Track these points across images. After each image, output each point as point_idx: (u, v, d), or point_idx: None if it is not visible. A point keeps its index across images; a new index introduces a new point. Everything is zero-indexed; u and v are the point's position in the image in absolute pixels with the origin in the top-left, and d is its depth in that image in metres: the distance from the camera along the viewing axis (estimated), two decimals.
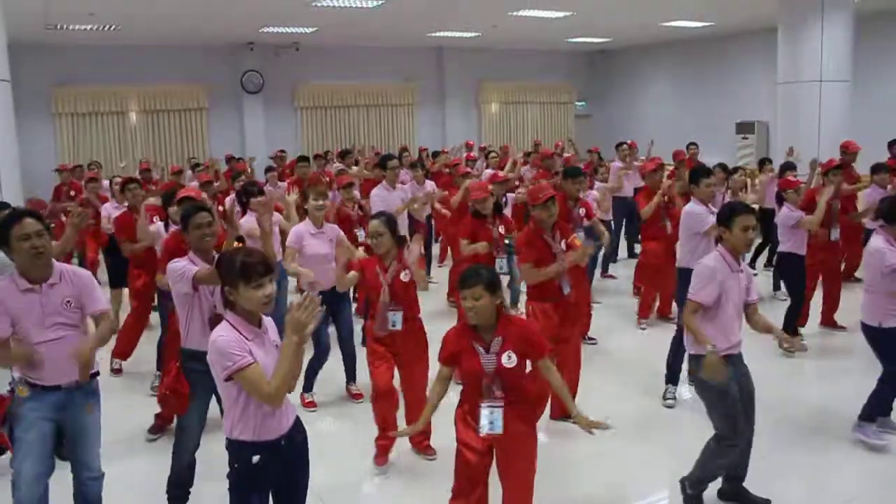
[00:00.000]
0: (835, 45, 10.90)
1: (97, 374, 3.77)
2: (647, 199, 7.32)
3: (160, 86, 15.24)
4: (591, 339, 7.21)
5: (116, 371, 6.58)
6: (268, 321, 3.09)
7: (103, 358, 4.05)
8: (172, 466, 4.27)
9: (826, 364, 6.64)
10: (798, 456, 4.82)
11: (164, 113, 15.55)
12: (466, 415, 3.49)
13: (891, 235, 4.74)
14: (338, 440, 5.33)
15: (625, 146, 11.01)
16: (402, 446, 4.93)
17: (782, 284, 7.66)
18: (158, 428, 5.44)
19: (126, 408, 5.77)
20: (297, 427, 3.11)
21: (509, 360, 3.36)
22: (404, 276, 4.74)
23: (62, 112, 14.65)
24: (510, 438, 3.43)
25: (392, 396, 4.76)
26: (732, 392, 3.91)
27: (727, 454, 3.99)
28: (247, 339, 2.88)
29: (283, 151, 14.11)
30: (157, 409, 5.28)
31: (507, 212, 8.03)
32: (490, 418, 3.40)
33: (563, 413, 5.41)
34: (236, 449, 2.96)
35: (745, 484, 4.19)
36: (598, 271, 9.41)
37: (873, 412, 4.89)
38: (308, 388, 5.93)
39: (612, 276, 9.92)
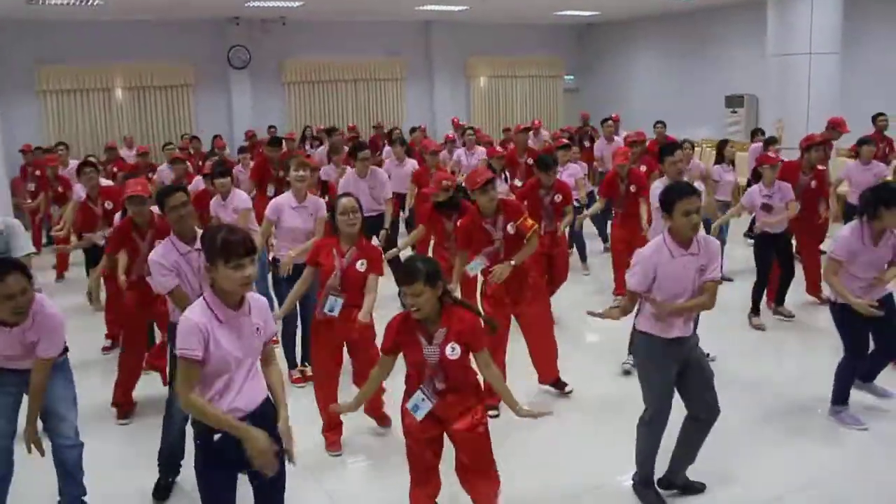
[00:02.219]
0: (824, 17, 10.90)
1: (63, 351, 3.83)
2: (609, 183, 7.60)
3: (145, 62, 15.03)
4: None
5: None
6: (256, 301, 3.03)
7: (76, 333, 4.03)
8: (163, 438, 4.33)
9: (808, 339, 6.68)
10: (776, 434, 4.83)
11: (150, 90, 15.36)
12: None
13: (868, 230, 4.57)
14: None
15: (609, 122, 11.00)
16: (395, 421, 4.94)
17: None
18: (123, 414, 5.42)
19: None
20: (265, 407, 3.04)
21: (453, 351, 3.30)
22: (360, 266, 4.51)
23: (47, 90, 14.45)
24: (457, 419, 3.43)
25: (329, 383, 4.68)
26: (662, 375, 3.87)
27: (649, 433, 3.98)
28: (219, 320, 2.86)
29: (272, 128, 14.05)
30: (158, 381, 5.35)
31: (506, 188, 8.03)
32: (417, 403, 3.39)
33: (549, 380, 5.52)
34: (200, 426, 2.94)
35: (708, 465, 4.17)
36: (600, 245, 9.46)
37: (844, 392, 4.89)
38: (292, 364, 5.93)
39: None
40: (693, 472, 4.17)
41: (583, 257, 9.07)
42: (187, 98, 15.71)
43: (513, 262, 4.98)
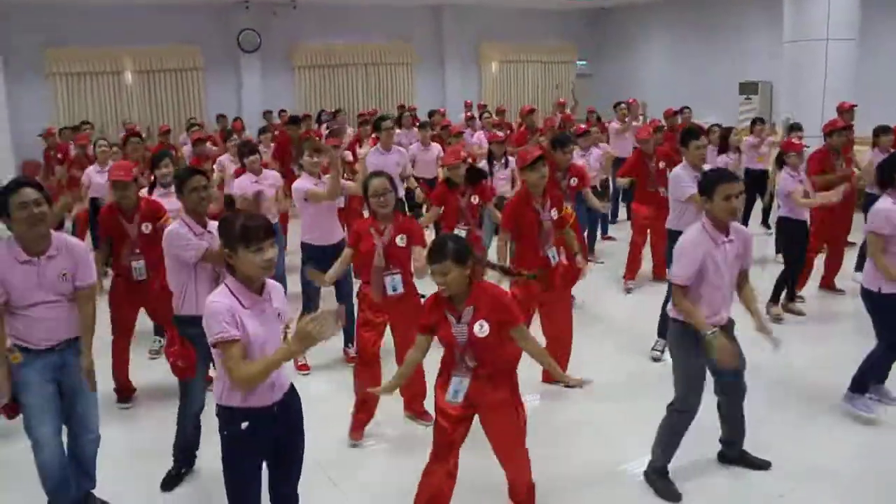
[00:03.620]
0: (842, 2, 10.71)
1: None
2: (635, 163, 7.55)
3: (155, 45, 14.98)
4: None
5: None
6: (273, 287, 3.01)
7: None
8: (178, 430, 4.28)
9: (822, 328, 6.53)
10: (785, 426, 4.77)
11: (160, 73, 15.32)
12: (445, 382, 3.46)
13: None
14: (334, 404, 5.06)
15: (623, 105, 10.87)
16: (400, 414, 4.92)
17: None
18: (123, 398, 5.38)
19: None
20: (292, 394, 3.07)
21: (481, 329, 3.26)
22: (400, 241, 4.50)
23: (56, 73, 14.40)
24: (488, 409, 3.41)
25: (374, 367, 4.60)
26: (694, 364, 3.83)
27: (675, 422, 3.94)
28: (243, 306, 2.83)
29: (283, 111, 13.97)
30: (166, 371, 5.25)
31: (507, 174, 7.94)
32: (457, 387, 3.37)
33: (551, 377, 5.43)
34: (226, 415, 2.93)
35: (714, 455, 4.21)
36: (598, 233, 9.36)
37: (865, 382, 4.79)
38: (348, 340, 5.88)
39: (611, 238, 9.80)
40: (694, 463, 4.15)
41: (591, 246, 8.90)
42: (197, 81, 15.65)
43: (590, 261, 4.96)
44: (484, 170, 6.68)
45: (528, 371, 5.13)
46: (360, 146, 9.50)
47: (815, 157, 7.18)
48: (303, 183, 5.71)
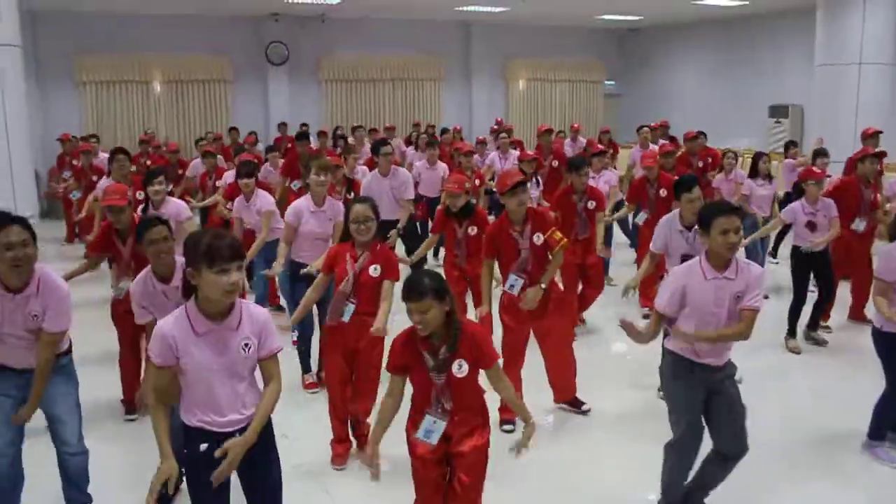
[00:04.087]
0: (876, 25, 10.55)
1: (65, 353, 3.70)
2: (636, 189, 7.49)
3: (184, 56, 15.12)
4: (580, 319, 7.03)
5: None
6: (251, 314, 2.84)
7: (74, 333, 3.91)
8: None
9: (837, 364, 6.31)
10: (797, 469, 4.53)
11: (189, 83, 15.44)
12: (417, 420, 3.26)
13: None
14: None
15: (645, 129, 10.69)
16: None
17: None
18: (129, 410, 5.27)
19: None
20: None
21: (460, 369, 3.09)
22: (373, 271, 4.34)
23: (86, 80, 14.58)
24: (461, 452, 3.22)
25: (341, 389, 4.52)
26: (689, 397, 3.67)
27: (675, 459, 3.78)
28: (196, 333, 2.74)
29: (305, 125, 14.01)
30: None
31: (536, 193, 7.81)
32: (429, 427, 3.19)
33: (565, 399, 5.29)
34: (187, 433, 2.84)
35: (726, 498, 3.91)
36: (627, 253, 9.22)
37: (882, 428, 4.57)
38: (306, 368, 5.79)
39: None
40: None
41: (606, 269, 8.66)
42: (224, 93, 15.76)
43: (542, 286, 4.79)
44: (472, 202, 6.33)
45: (537, 395, 5.09)
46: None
47: (841, 186, 6.96)
48: (299, 206, 5.63)
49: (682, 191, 5.24)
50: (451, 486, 3.29)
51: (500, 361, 3.17)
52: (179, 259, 3.95)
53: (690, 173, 7.15)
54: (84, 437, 3.82)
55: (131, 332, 5.18)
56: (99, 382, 5.14)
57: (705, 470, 3.80)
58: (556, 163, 9.52)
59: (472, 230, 5.95)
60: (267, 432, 2.94)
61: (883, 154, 7.80)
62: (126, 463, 4.57)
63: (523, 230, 4.81)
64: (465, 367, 3.11)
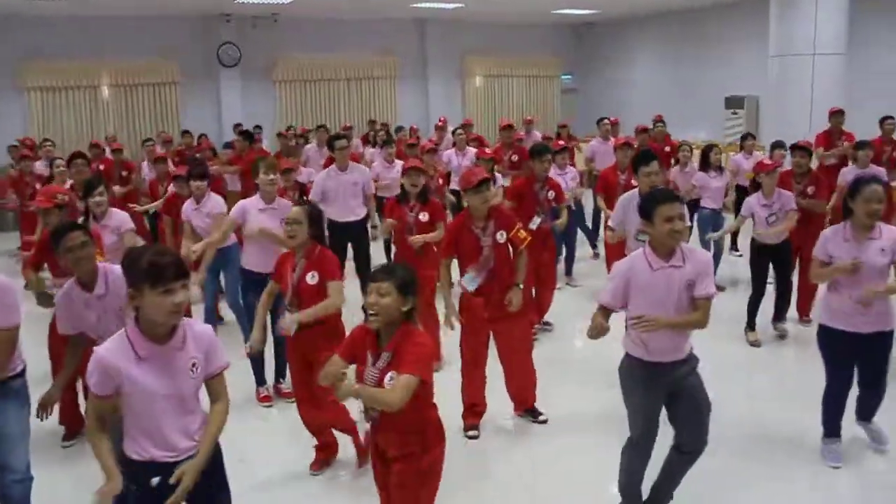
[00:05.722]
0: (829, 15, 10.57)
1: (19, 374, 3.48)
2: (605, 178, 7.45)
3: (133, 59, 14.68)
4: (546, 324, 6.89)
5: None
6: (195, 333, 2.68)
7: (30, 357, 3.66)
8: None
9: (798, 357, 6.23)
10: (757, 467, 4.42)
11: (137, 87, 15.02)
12: None
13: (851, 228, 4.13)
14: (290, 436, 4.85)
15: (606, 122, 10.59)
16: None
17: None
18: (70, 435, 5.02)
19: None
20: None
21: (391, 381, 2.87)
22: (310, 278, 4.15)
23: (31, 86, 14.11)
24: (388, 467, 3.07)
25: (307, 398, 4.36)
26: (645, 401, 3.58)
27: (631, 459, 3.72)
28: (138, 356, 2.54)
29: (258, 127, 13.71)
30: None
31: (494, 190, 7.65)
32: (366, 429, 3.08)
33: (524, 408, 5.14)
34: (133, 469, 2.63)
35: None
36: (585, 250, 9.14)
37: (830, 422, 4.45)
38: (260, 381, 5.55)
39: (598, 256, 9.48)
40: None
41: (568, 269, 8.55)
42: (175, 96, 15.36)
43: (520, 285, 4.69)
44: (430, 188, 6.24)
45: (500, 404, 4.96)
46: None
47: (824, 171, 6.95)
48: (244, 204, 5.46)
49: (640, 164, 5.27)
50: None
51: (414, 380, 2.83)
52: (102, 266, 3.75)
53: (648, 148, 7.07)
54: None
55: (62, 351, 4.92)
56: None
57: (667, 468, 3.74)
58: (516, 157, 9.40)
59: (424, 216, 5.76)
60: (216, 455, 2.78)
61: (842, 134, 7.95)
62: (69, 487, 4.33)
63: (486, 228, 4.67)
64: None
